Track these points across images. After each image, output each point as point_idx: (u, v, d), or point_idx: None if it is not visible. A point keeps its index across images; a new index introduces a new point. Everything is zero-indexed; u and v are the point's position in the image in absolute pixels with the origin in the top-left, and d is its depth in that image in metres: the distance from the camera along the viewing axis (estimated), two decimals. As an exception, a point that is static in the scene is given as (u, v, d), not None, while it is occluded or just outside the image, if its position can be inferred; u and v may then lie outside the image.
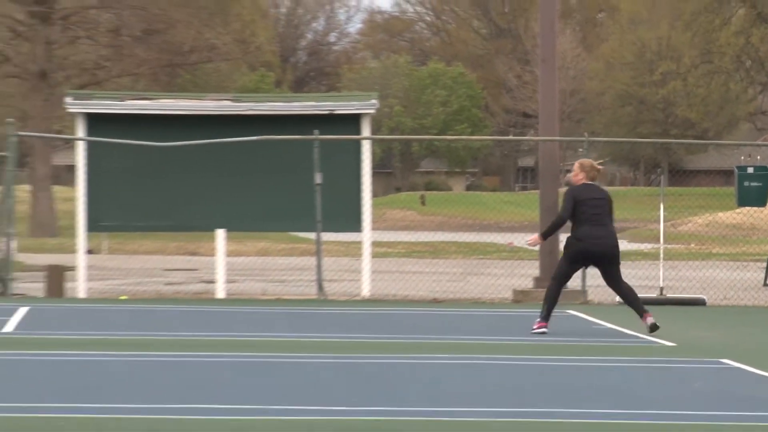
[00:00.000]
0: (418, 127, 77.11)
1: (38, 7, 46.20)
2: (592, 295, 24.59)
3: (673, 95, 64.93)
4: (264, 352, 16.85)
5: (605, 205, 17.91)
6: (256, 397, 13.08)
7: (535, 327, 17.53)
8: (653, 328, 17.72)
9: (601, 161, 32.25)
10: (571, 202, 17.34)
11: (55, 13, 46.66)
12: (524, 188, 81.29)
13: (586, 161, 17.95)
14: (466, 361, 16.70)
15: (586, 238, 17.43)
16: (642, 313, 17.98)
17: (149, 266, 32.41)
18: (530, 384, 14.90)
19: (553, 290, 17.36)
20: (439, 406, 12.66)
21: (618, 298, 24.19)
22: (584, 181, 17.53)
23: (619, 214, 29.45)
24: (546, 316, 17.94)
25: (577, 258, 17.82)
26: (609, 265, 17.69)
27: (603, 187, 18.15)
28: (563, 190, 27.33)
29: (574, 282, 25.27)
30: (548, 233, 17.91)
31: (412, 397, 13.43)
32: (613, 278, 17.64)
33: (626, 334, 19.65)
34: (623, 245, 29.92)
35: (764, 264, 28.08)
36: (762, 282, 26.97)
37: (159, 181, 24.31)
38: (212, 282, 24.41)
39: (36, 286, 23.98)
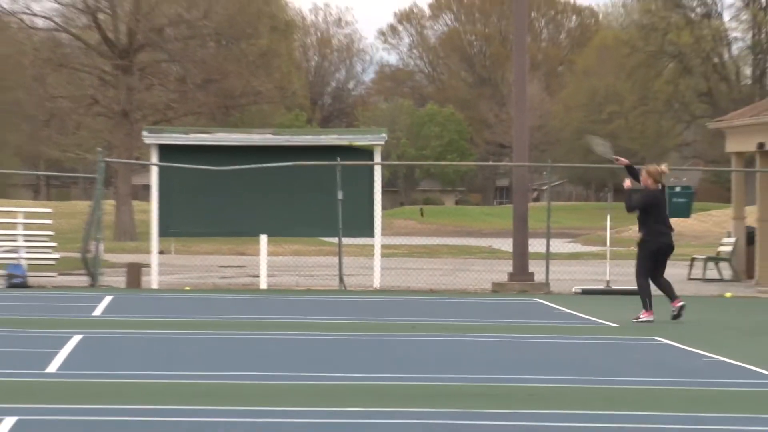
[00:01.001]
0: (418, 155, 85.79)
1: (121, 61, 50.24)
2: (554, 287, 26.53)
3: (617, 130, 71.82)
4: (299, 331, 18.50)
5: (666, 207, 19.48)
6: (295, 366, 14.44)
7: (641, 316, 18.61)
8: (677, 315, 18.91)
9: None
10: (647, 203, 18.67)
11: (135, 65, 50.84)
12: (501, 203, 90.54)
13: (652, 168, 18.99)
14: (454, 338, 18.10)
15: (663, 236, 18.85)
16: (673, 298, 19.26)
17: (207, 264, 34.50)
18: (505, 356, 16.34)
19: (643, 284, 18.42)
20: (432, 372, 13.92)
21: (575, 288, 27.05)
22: (654, 186, 18.65)
23: (574, 223, 33.31)
24: (648, 305, 18.85)
25: (656, 252, 19.04)
26: (667, 257, 19.25)
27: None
28: (533, 204, 30.04)
29: (540, 276, 26.83)
30: (629, 201, 18.66)
31: (411, 365, 14.77)
32: (664, 268, 19.02)
33: (581, 317, 21.66)
34: (577, 248, 33.80)
35: (688, 263, 31.41)
36: (687, 276, 30.34)
37: (215, 197, 26.84)
38: (256, 276, 27.15)
39: (119, 280, 26.26)
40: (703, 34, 69.87)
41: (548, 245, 26.84)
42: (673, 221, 34.71)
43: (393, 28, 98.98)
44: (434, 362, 15.25)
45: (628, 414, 11.46)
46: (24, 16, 51.72)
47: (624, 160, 19.48)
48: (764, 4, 68.19)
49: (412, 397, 12.27)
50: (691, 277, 30.10)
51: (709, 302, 25.85)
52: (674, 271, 30.90)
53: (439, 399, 12.25)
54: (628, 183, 19.20)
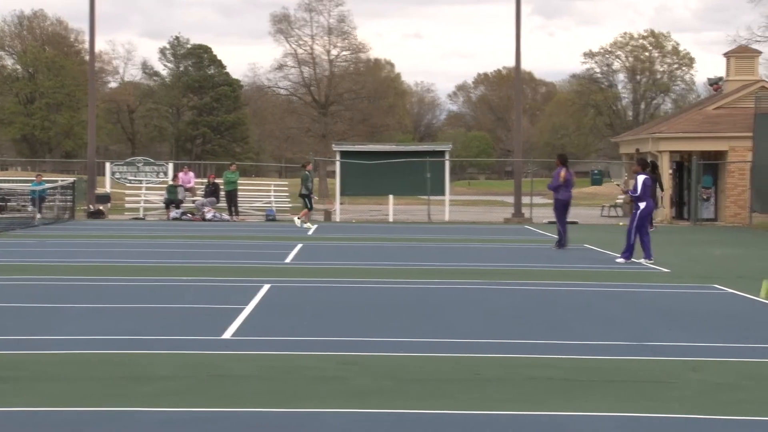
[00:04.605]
0: (467, 155, 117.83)
1: (321, 110, 79.69)
2: (535, 220, 41.10)
3: (566, 143, 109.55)
4: (410, 243, 30.59)
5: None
6: (413, 258, 30.20)
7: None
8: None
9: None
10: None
11: (328, 112, 78.09)
12: (508, 178, 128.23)
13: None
14: (484, 245, 29.71)
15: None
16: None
17: (363, 209, 48.43)
18: (503, 254, 29.74)
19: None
20: (466, 261, 26.91)
21: (545, 221, 41.45)
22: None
23: (547, 191, 50.48)
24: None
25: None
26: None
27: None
28: (525, 179, 45.10)
29: (528, 215, 41.63)
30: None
31: (467, 257, 27.89)
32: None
33: (542, 233, 35.75)
34: (546, 201, 50.70)
35: (599, 208, 47.50)
36: (599, 214, 45.85)
37: (368, 176, 41.09)
38: (387, 214, 42.09)
39: (320, 217, 41.29)
40: (607, 96, 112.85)
41: (531, 200, 42.82)
42: (593, 188, 53.38)
43: (455, 93, 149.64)
44: (475, 255, 24.30)
45: (521, 282, 23.20)
46: (274, 88, 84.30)
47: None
48: (638, 79, 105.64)
49: (466, 273, 21.26)
50: (602, 215, 47.63)
51: (611, 228, 37.11)
52: (593, 212, 47.10)
53: (472, 274, 21.19)
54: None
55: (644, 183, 22.12)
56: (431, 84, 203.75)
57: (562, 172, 25.66)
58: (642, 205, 22.10)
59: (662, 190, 39.65)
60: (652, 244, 23.01)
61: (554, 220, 26.89)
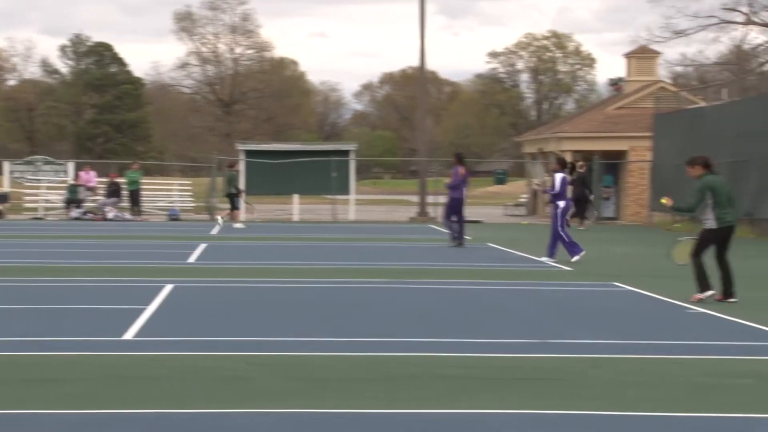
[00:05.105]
0: (372, 154, 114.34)
1: (225, 109, 79.72)
2: (438, 219, 41.56)
3: (470, 144, 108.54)
4: (314, 242, 33.19)
5: None
6: (313, 258, 30.91)
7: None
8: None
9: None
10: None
11: (232, 111, 78.24)
12: (413, 178, 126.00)
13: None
14: (391, 244, 31.52)
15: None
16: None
17: (269, 209, 47.71)
18: (405, 252, 30.42)
19: None
20: (377, 260, 26.57)
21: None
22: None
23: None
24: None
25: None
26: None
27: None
28: (428, 178, 46.36)
29: (431, 214, 42.97)
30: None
31: (369, 255, 29.32)
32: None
33: (444, 231, 37.23)
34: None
35: (503, 207, 48.33)
36: (503, 213, 46.60)
37: (271, 176, 41.46)
38: (292, 214, 42.79)
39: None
40: (510, 95, 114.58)
41: (436, 199, 42.45)
42: (497, 187, 54.18)
43: (360, 92, 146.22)
44: (381, 254, 24.61)
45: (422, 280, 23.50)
46: (177, 87, 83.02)
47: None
48: (541, 80, 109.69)
49: (373, 273, 24.37)
50: (506, 214, 48.31)
51: (514, 227, 38.81)
52: (496, 211, 48.61)
53: (378, 273, 24.34)
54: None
55: (562, 181, 22.42)
56: (337, 83, 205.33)
57: (461, 170, 26.13)
58: (561, 203, 22.35)
59: (590, 192, 40.19)
60: (557, 245, 23.26)
61: (455, 219, 27.00)
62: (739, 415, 8.29)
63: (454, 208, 26.61)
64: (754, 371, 10.28)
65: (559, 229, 22.46)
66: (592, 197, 40.03)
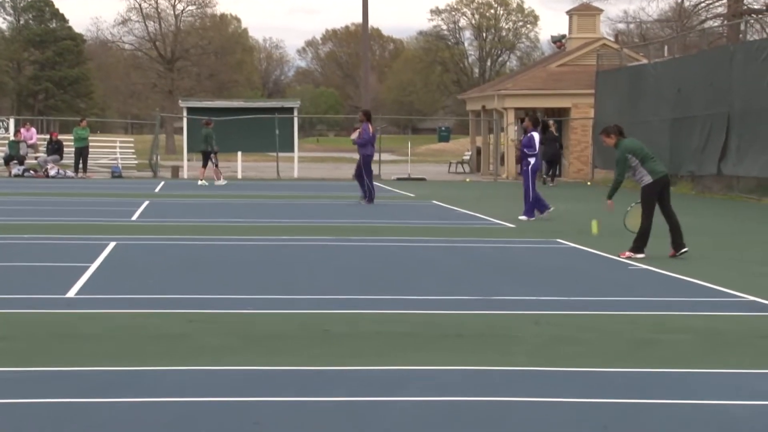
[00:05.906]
0: (316, 112, 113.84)
1: (168, 65, 78.57)
2: (384, 177, 42.44)
3: (413, 100, 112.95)
4: (259, 200, 34.77)
5: None
6: (255, 215, 32.96)
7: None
8: None
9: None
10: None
11: (174, 68, 77.82)
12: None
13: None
14: (338, 202, 31.62)
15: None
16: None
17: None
18: (356, 210, 30.10)
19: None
20: (321, 218, 28.59)
21: (393, 177, 47.01)
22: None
23: (393, 145, 52.18)
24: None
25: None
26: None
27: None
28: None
29: (377, 172, 47.87)
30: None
31: (313, 213, 30.53)
32: None
33: (393, 191, 36.49)
34: (394, 158, 52.13)
35: (446, 165, 49.12)
36: (447, 171, 47.62)
37: (217, 133, 44.89)
38: (236, 171, 43.37)
39: (167, 174, 42.72)
40: (453, 53, 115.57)
41: (380, 157, 43.41)
42: (441, 145, 54.67)
43: (303, 49, 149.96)
44: (324, 212, 26.31)
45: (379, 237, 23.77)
46: (119, 43, 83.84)
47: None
48: (484, 37, 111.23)
49: (315, 230, 23.63)
50: (449, 171, 49.07)
51: (458, 184, 39.67)
52: (440, 168, 50.14)
53: (320, 230, 25.53)
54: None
55: (535, 139, 22.53)
56: (280, 40, 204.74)
57: (370, 128, 26.60)
58: (532, 161, 22.43)
59: (561, 148, 40.65)
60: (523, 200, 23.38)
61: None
62: (675, 370, 8.39)
63: (368, 165, 26.87)
64: (692, 327, 10.41)
65: (530, 185, 22.56)
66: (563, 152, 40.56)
